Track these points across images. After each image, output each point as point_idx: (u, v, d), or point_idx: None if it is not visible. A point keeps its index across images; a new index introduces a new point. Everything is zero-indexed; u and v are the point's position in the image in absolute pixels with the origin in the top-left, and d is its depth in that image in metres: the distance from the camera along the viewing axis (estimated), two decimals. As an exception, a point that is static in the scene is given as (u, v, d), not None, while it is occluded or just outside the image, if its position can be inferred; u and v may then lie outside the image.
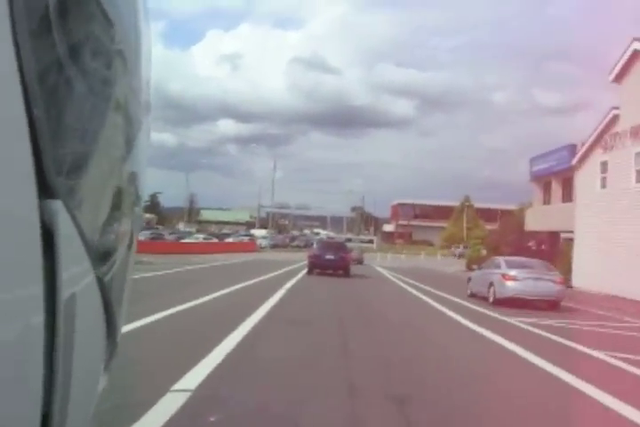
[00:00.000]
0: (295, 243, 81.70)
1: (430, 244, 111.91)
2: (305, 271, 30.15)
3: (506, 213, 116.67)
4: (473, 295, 20.90)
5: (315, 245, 32.21)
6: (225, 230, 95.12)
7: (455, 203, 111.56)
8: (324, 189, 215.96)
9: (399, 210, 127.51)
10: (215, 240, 58.34)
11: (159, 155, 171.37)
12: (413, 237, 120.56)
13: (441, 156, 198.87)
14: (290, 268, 34.37)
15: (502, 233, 41.07)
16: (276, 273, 28.48)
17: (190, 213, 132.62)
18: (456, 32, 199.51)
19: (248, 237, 66.98)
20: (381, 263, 49.98)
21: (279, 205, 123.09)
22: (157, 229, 78.41)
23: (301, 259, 46.38)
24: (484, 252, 44.88)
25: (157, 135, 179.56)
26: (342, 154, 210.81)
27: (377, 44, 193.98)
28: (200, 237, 56.51)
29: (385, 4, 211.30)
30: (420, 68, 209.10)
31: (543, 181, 38.06)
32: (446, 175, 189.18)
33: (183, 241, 53.69)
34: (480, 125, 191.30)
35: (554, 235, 33.69)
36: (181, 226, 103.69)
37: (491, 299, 18.94)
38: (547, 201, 37.04)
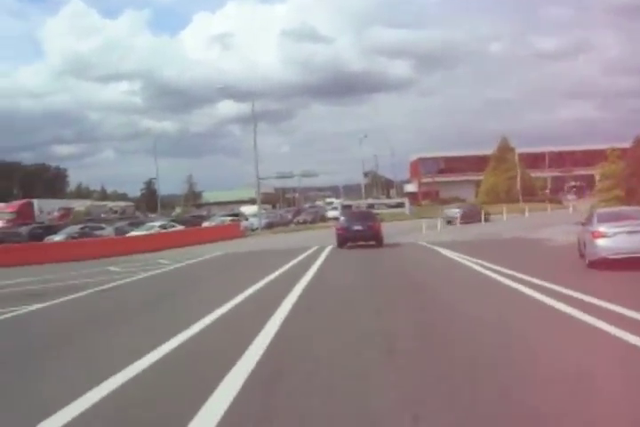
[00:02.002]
0: (301, 218, 59.90)
1: (463, 201, 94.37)
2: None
3: (555, 155, 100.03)
4: (582, 256, 16.34)
5: (341, 218, 28.62)
6: (220, 212, 77.02)
7: (485, 151, 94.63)
8: (333, 159, 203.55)
9: (420, 166, 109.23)
10: (178, 228, 40.72)
11: (161, 142, 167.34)
12: (441, 195, 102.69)
13: (446, 113, 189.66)
14: (276, 274, 16.91)
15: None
16: (231, 303, 11.15)
17: (190, 196, 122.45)
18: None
19: (230, 218, 48.24)
20: (452, 236, 31.57)
21: (281, 175, 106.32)
22: (137, 217, 62.43)
23: (308, 244, 29.14)
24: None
25: (158, 124, 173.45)
26: (346, 122, 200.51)
27: (365, 7, 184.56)
28: (155, 226, 38.54)
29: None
30: (412, 26, 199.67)
31: None
32: (454, 132, 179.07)
33: (130, 235, 36.05)
34: (481, 78, 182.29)
35: None
36: (178, 211, 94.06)
37: (586, 261, 15.41)
38: None
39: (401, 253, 22.80)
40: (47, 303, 13.40)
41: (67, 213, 61.93)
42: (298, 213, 65.17)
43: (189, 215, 60.48)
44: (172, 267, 22.10)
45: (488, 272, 14.79)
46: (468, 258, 18.54)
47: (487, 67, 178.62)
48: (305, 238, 35.38)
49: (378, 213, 38.25)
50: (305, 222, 56.37)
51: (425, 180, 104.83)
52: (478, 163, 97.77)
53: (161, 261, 24.73)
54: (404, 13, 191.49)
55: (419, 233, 34.59)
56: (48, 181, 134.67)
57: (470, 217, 43.50)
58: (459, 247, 22.68)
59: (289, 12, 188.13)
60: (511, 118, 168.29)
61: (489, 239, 27.91)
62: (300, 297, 11.98)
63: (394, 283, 14.13)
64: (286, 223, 55.21)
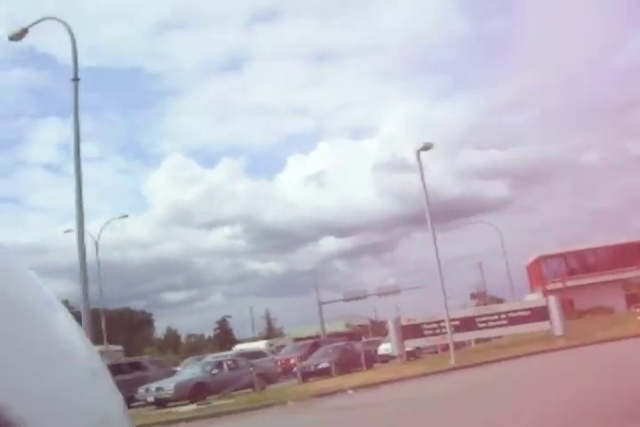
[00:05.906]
0: (311, 362, 27.24)
1: (609, 310, 62.52)
2: None
3: None
4: None
5: None
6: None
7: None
8: (440, 286, 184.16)
9: (543, 268, 78.74)
10: None
11: (267, 283, 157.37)
12: (576, 304, 70.73)
13: (548, 229, 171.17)
14: None
15: None
16: None
17: (269, 333, 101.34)
18: (525, 104, 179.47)
19: None
20: None
21: (351, 296, 79.04)
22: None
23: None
24: None
25: (262, 265, 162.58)
26: (449, 247, 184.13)
27: (453, 133, 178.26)
28: None
29: (452, 93, 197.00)
30: (501, 146, 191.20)
31: None
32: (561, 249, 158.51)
33: None
34: (579, 190, 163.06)
35: None
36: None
37: None
38: None
39: None
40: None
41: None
42: (312, 349, 30.69)
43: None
44: None
45: None
46: None
47: (585, 178, 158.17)
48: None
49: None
50: (305, 376, 25.71)
51: (552, 286, 73.52)
52: (624, 255, 68.85)
53: None
54: (492, 135, 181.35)
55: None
56: (133, 326, 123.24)
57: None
58: None
59: (379, 146, 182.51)
60: (620, 228, 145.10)
61: None
62: None
63: None
64: (268, 380, 24.20)
